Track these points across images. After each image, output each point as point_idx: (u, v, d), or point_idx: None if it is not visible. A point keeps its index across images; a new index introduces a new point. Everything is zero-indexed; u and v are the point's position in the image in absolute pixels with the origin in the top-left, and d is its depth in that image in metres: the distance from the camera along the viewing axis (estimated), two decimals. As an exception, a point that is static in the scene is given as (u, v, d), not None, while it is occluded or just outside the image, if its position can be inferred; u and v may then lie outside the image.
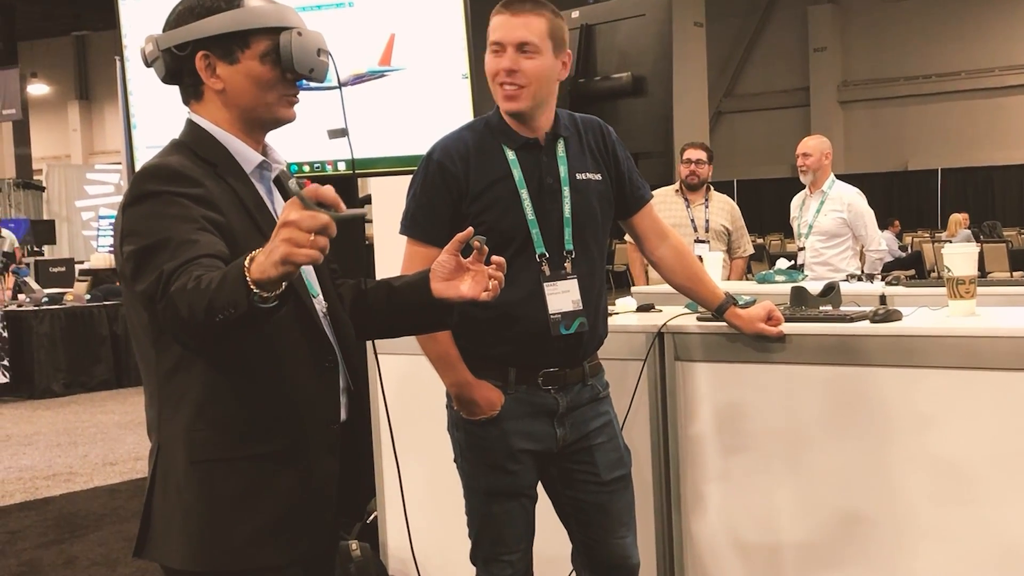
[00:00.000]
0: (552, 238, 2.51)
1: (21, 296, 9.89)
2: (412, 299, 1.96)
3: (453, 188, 2.48)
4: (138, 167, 2.21)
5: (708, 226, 5.79)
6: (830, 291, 3.11)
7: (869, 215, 5.70)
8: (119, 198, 3.68)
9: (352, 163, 3.41)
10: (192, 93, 1.90)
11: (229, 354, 1.76)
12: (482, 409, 2.50)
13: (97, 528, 5.06)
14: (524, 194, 2.49)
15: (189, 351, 1.76)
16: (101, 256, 13.70)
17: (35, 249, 15.93)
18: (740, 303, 2.79)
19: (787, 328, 2.80)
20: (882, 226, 9.07)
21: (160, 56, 1.87)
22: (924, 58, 22.35)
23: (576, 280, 2.52)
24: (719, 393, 2.95)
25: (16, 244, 13.05)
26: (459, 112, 3.36)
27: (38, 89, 26.55)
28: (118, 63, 4.22)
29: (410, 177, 2.57)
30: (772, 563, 2.91)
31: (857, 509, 2.78)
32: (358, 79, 3.53)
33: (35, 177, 21.58)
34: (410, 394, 3.14)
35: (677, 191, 5.86)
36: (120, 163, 18.26)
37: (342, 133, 2.17)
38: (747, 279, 5.75)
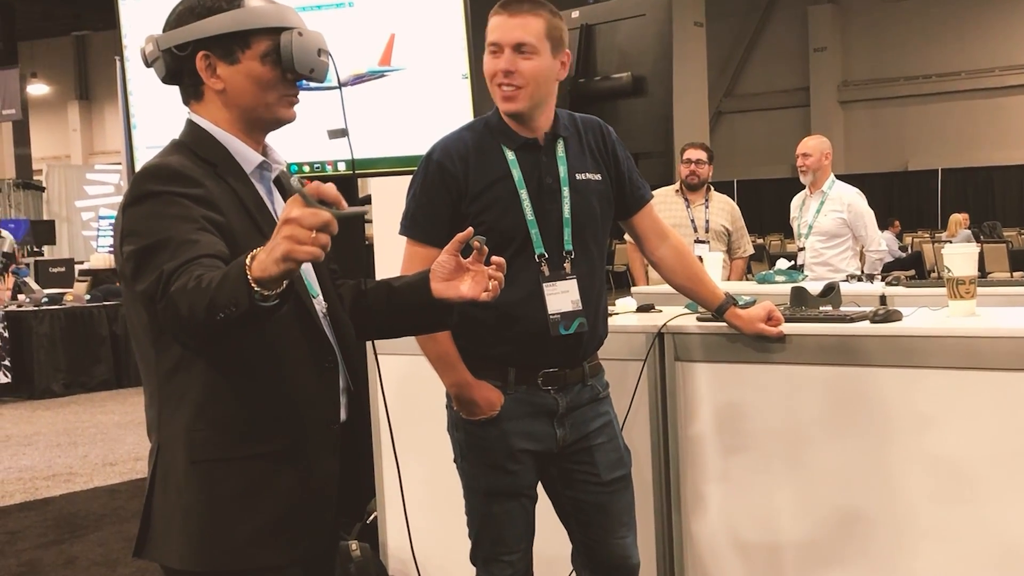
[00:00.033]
0: (551, 238, 2.51)
1: (21, 296, 9.90)
2: (412, 299, 1.96)
3: (453, 188, 2.48)
4: (138, 167, 2.21)
5: (708, 226, 5.79)
6: (830, 291, 3.12)
7: (869, 215, 5.70)
8: (119, 198, 3.68)
9: (352, 163, 3.41)
10: (192, 93, 1.91)
11: (229, 354, 1.76)
12: (482, 409, 2.50)
13: (97, 528, 5.06)
14: (523, 194, 2.49)
15: (189, 351, 1.76)
16: (101, 256, 13.71)
17: (35, 249, 15.93)
18: (740, 303, 2.79)
19: (787, 328, 2.80)
20: (882, 226, 9.07)
21: (160, 56, 1.87)
22: (924, 58, 22.35)
23: (575, 280, 2.52)
24: (719, 393, 2.95)
25: (15, 245, 13.05)
26: (459, 112, 3.36)
27: (38, 89, 26.54)
28: (118, 63, 4.22)
29: (410, 177, 2.57)
30: (772, 563, 2.91)
31: (857, 509, 2.78)
32: (358, 79, 3.53)
33: (35, 177, 21.58)
34: (410, 394, 3.14)
35: (677, 191, 5.86)
36: (120, 163, 18.26)
37: (342, 133, 2.17)
38: (747, 279, 5.75)
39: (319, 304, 1.92)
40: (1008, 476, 2.58)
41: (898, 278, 4.57)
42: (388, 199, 3.56)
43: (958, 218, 15.25)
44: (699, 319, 2.98)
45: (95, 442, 7.24)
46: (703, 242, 5.69)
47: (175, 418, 1.80)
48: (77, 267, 12.90)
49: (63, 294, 10.05)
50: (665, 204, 5.68)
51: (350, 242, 3.21)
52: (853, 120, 23.55)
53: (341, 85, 2.02)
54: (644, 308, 3.34)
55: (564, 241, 2.52)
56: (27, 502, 5.65)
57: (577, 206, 2.53)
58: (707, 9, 16.14)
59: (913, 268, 13.71)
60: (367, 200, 3.97)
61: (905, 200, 22.66)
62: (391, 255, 2.86)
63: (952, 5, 21.87)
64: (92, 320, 9.63)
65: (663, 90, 3.35)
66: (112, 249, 6.14)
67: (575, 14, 3.49)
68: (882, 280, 4.47)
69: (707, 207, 5.85)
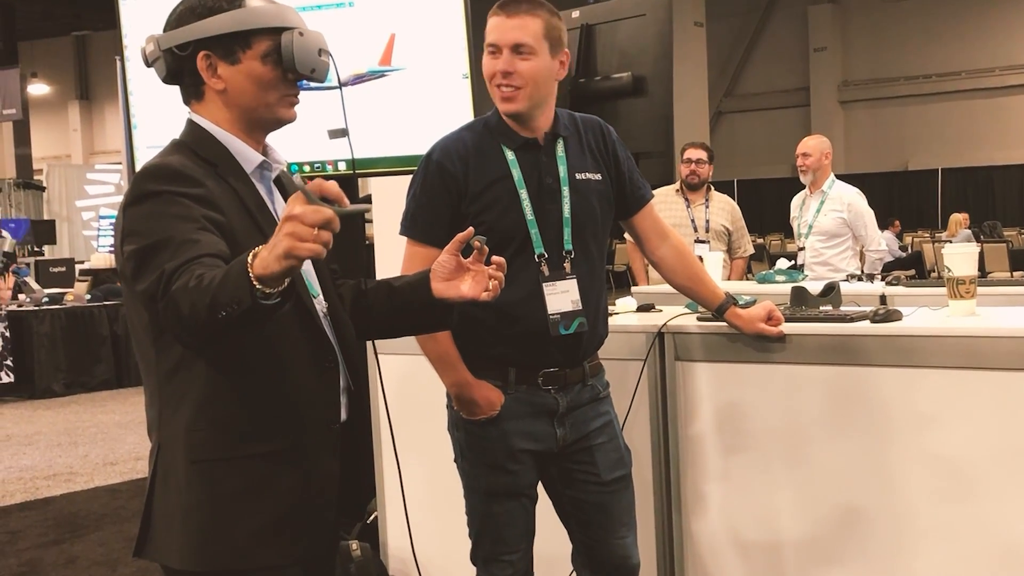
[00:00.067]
0: (551, 238, 2.51)
1: (21, 296, 9.90)
2: (412, 299, 1.96)
3: (452, 188, 2.48)
4: (138, 167, 2.21)
5: (708, 226, 5.79)
6: (830, 291, 3.12)
7: (869, 215, 5.71)
8: (119, 198, 3.68)
9: (352, 163, 3.41)
10: (193, 93, 1.91)
11: (230, 354, 1.76)
12: (482, 409, 2.50)
13: (97, 528, 5.06)
14: (523, 194, 2.49)
15: (190, 351, 1.76)
16: (101, 256, 13.70)
17: (35, 249, 15.92)
18: (740, 303, 2.79)
19: (787, 328, 2.80)
20: (882, 226, 9.07)
21: (161, 56, 1.87)
22: (924, 58, 22.34)
23: (575, 280, 2.52)
24: (719, 393, 2.95)
25: (15, 245, 13.05)
26: (459, 112, 3.36)
27: (38, 89, 26.54)
28: (118, 63, 4.22)
29: (410, 177, 2.57)
30: (772, 563, 2.92)
31: (857, 509, 2.78)
32: (358, 79, 3.53)
33: (35, 177, 21.57)
34: (410, 394, 3.15)
35: (677, 191, 5.86)
36: (120, 163, 18.26)
37: (342, 133, 2.17)
38: (747, 279, 5.75)
39: (319, 304, 1.93)
40: (1008, 475, 2.58)
41: (898, 278, 4.58)
42: (388, 199, 3.56)
43: (958, 218, 15.26)
44: (699, 319, 2.98)
45: (96, 442, 7.24)
46: (703, 242, 5.69)
47: (175, 418, 1.80)
48: (78, 267, 12.91)
49: (64, 294, 10.06)
50: (665, 204, 5.68)
51: (350, 242, 3.21)
52: (853, 120, 23.55)
53: (341, 85, 2.03)
54: (644, 308, 3.34)
55: (564, 241, 2.52)
56: (28, 502, 5.65)
57: (577, 206, 2.53)
58: (707, 9, 16.16)
59: (913, 268, 13.72)
60: (368, 199, 3.97)
61: (905, 200, 22.66)
62: (391, 255, 2.86)
63: (952, 5, 21.86)
64: (93, 320, 9.64)
65: (663, 90, 3.35)
66: (113, 249, 6.14)
67: (575, 14, 3.49)
68: (882, 280, 4.47)
69: (707, 207, 5.85)
